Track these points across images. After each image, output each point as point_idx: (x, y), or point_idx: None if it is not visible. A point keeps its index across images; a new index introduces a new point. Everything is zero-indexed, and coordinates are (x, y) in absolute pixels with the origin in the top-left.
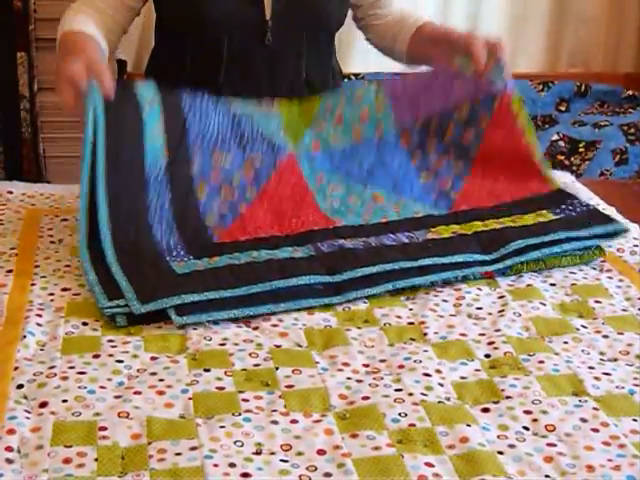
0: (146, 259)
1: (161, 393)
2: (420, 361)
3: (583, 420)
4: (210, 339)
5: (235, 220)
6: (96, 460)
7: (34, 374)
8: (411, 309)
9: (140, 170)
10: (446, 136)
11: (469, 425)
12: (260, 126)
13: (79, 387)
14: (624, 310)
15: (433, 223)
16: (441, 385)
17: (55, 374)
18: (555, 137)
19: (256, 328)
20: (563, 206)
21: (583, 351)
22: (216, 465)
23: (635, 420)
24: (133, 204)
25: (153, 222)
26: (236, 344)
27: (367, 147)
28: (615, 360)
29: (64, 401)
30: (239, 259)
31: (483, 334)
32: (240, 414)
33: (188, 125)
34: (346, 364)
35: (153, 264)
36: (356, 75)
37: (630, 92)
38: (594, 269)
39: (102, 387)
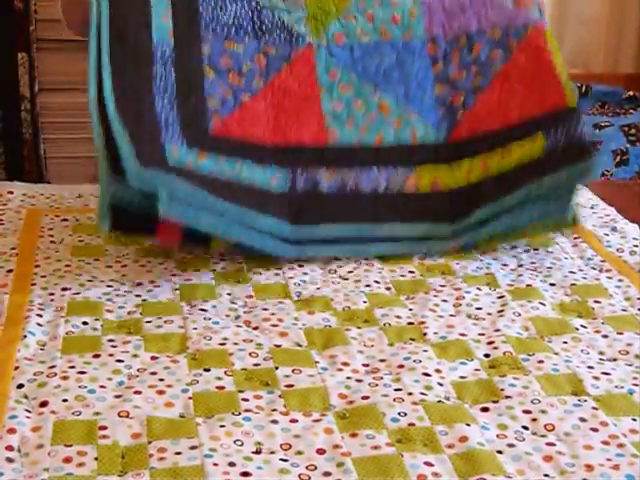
0: (145, 129)
1: (161, 392)
2: (420, 361)
3: (582, 419)
4: (210, 339)
5: (235, 109)
6: (96, 459)
7: (34, 374)
8: (411, 309)
9: (148, 42)
10: (472, 53)
11: (468, 424)
12: (282, 15)
13: (79, 386)
14: (623, 310)
15: (421, 159)
16: (440, 385)
17: (55, 374)
18: None
19: (256, 328)
20: (559, 129)
21: (582, 351)
22: (216, 464)
23: (634, 420)
24: (138, 74)
25: (157, 94)
26: (236, 344)
27: (391, 46)
28: (614, 360)
29: (64, 400)
30: (223, 171)
31: (483, 334)
32: (240, 413)
33: (200, 12)
34: (346, 364)
35: (151, 140)
36: None
37: (631, 93)
38: (594, 269)
39: (102, 386)
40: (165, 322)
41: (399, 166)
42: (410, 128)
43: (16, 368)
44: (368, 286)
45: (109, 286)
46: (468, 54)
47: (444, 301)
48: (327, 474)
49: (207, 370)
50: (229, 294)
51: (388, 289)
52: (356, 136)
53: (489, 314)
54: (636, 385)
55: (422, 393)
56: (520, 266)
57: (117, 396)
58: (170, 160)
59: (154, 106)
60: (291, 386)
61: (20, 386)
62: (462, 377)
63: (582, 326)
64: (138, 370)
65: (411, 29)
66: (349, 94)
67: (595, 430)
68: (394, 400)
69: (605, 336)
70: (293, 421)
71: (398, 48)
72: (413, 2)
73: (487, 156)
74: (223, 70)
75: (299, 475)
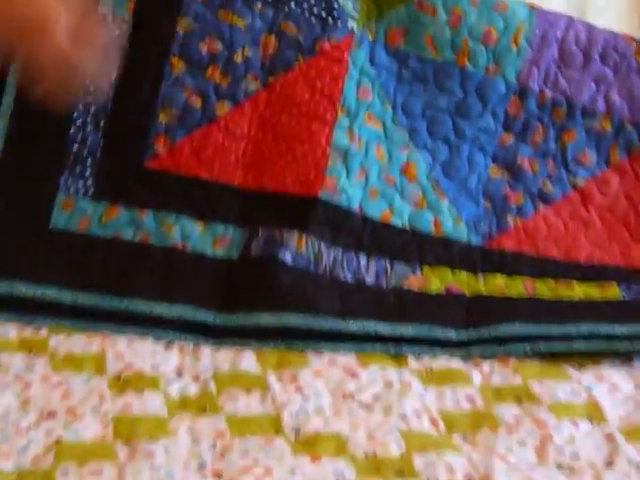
0: (32, 177)
1: None
2: None
3: None
4: None
5: (198, 128)
6: None
7: None
8: (470, 457)
9: None
10: (562, 139)
11: None
12: None
13: None
14: None
15: (436, 259)
16: None
17: None
18: None
19: None
20: None
21: None
22: None
23: None
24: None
25: (81, 102)
26: None
27: (461, 79)
28: None
29: None
30: (136, 231)
31: None
32: None
33: None
34: None
35: (35, 195)
36: None
37: None
38: None
39: None
40: (90, 474)
41: (398, 261)
42: (433, 215)
43: None
44: (404, 418)
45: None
46: (555, 139)
47: (521, 445)
48: None
49: None
50: (189, 430)
51: (434, 424)
52: (357, 201)
53: (591, 464)
54: None
55: None
56: (639, 388)
57: None
58: (53, 219)
59: (69, 128)
60: None
61: None
62: None
63: None
64: None
65: (502, 62)
66: (374, 132)
67: None
68: None
69: None
70: None
71: (469, 86)
72: (524, 21)
73: (536, 280)
74: (201, 60)
75: None
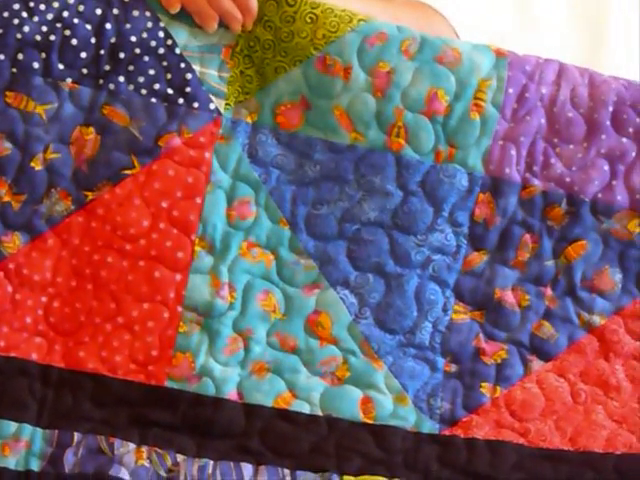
0: None
1: None
2: None
3: None
4: None
5: None
6: None
7: None
8: None
9: None
10: (566, 255)
11: None
12: (177, 36)
13: None
14: None
15: (361, 465)
16: None
17: None
18: None
19: None
20: None
21: None
22: None
23: None
24: None
25: None
26: None
27: (398, 175)
28: None
29: None
30: None
31: None
32: None
33: None
34: None
35: None
36: None
37: None
38: None
39: None
40: None
41: (303, 469)
42: (361, 392)
43: None
44: None
45: None
46: (554, 255)
47: None
48: None
49: None
50: None
51: None
52: (232, 384)
53: None
54: None
55: None
56: None
57: None
58: None
59: None
60: None
61: None
62: None
63: None
64: None
65: (459, 141)
66: (258, 271)
67: None
68: None
69: None
70: None
71: (410, 182)
72: (495, 69)
73: None
74: None
75: None
